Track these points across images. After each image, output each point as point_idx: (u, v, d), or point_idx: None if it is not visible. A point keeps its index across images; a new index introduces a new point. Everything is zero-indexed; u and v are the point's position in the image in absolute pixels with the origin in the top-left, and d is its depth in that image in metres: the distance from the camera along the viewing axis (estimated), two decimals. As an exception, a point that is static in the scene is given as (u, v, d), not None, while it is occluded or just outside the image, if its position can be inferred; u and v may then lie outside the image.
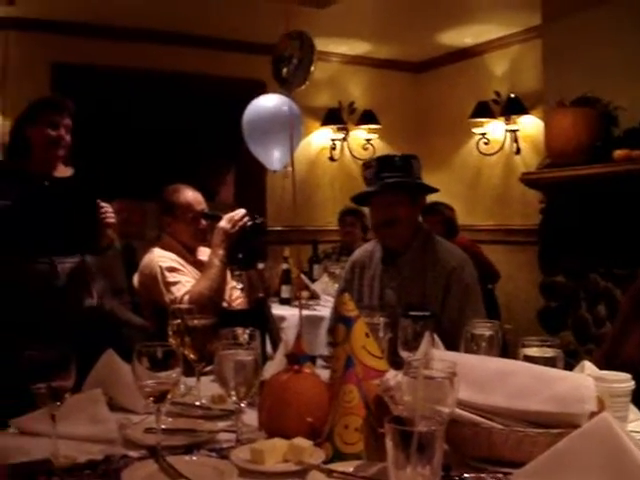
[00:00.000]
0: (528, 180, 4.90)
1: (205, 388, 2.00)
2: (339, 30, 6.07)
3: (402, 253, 2.84)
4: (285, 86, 3.05)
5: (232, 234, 3.03)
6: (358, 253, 3.08)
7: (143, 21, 5.68)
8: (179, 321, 2.00)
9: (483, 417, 1.40)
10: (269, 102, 5.09)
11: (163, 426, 1.56)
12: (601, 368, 1.87)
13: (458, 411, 1.37)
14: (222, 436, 1.66)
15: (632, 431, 1.55)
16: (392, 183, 2.74)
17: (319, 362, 2.63)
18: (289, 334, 3.44)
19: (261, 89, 5.69)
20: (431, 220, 5.18)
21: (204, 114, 6.19)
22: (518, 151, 6.14)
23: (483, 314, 2.77)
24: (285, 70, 2.99)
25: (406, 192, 2.81)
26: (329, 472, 1.35)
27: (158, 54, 5.90)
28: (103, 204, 2.80)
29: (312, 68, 3.11)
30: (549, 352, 1.65)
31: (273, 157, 5.20)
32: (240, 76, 6.22)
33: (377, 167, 2.80)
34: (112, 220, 2.83)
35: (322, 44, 6.52)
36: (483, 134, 6.39)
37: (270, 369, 1.91)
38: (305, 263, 5.48)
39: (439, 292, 2.74)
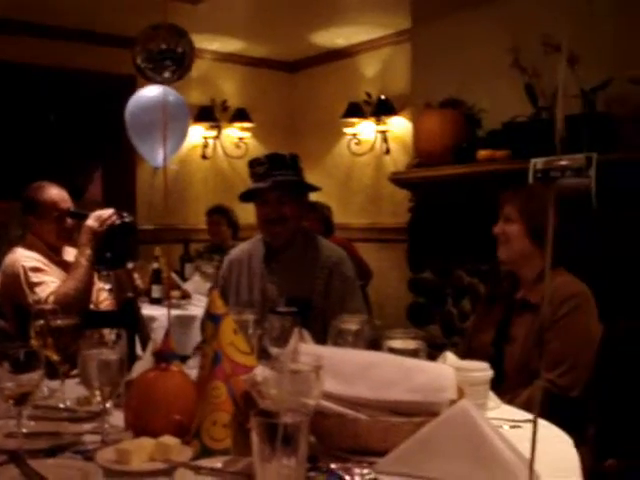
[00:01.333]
0: (397, 179, 5.04)
1: (70, 391, 1.94)
2: (211, 27, 6.02)
3: (285, 250, 2.87)
4: (160, 80, 2.99)
5: (100, 233, 2.95)
6: (236, 252, 3.07)
7: (3, 11, 5.43)
8: (42, 322, 1.93)
9: (348, 408, 1.43)
10: (153, 93, 4.92)
11: (25, 430, 1.51)
12: (464, 359, 1.96)
13: (324, 403, 1.39)
14: (88, 438, 1.61)
15: (492, 418, 1.63)
16: (285, 181, 2.77)
17: (190, 362, 2.61)
18: (159, 334, 3.38)
19: (131, 84, 5.57)
20: (311, 218, 5.24)
21: (71, 110, 6.00)
22: (388, 151, 6.29)
23: (363, 307, 2.87)
24: (158, 63, 2.93)
25: (295, 190, 2.84)
26: (197, 469, 1.35)
27: (21, 47, 5.66)
28: None
29: (191, 63, 3.06)
30: (412, 344, 1.71)
31: (157, 152, 5.06)
32: (109, 71, 6.05)
33: (268, 164, 2.81)
34: None
35: (194, 40, 6.46)
36: (354, 134, 6.51)
37: (138, 369, 1.88)
38: (177, 262, 5.40)
39: (321, 286, 2.79)
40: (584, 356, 2.34)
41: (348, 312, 2.57)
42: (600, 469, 2.26)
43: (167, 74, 2.98)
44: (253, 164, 2.89)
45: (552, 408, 1.77)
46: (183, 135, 5.59)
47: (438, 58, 4.90)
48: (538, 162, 3.74)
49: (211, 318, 1.58)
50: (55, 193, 3.15)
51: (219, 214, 5.69)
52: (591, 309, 2.41)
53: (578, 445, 1.60)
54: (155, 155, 5.20)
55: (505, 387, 2.19)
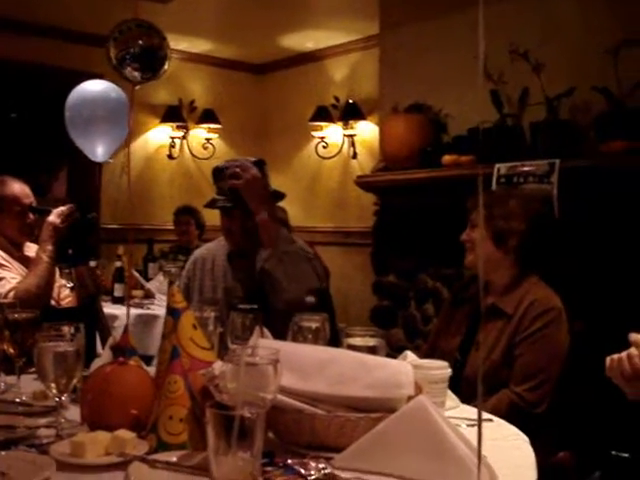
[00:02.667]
0: (362, 183, 5.05)
1: (27, 386, 1.92)
2: (180, 26, 5.97)
3: (251, 250, 2.86)
4: (130, 78, 2.95)
5: (61, 229, 2.93)
6: (201, 251, 3.05)
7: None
8: None
9: (306, 403, 1.43)
10: (95, 87, 4.84)
11: (-23, 423, 1.48)
12: (424, 359, 1.97)
13: (281, 398, 1.39)
14: (43, 432, 1.59)
15: (450, 417, 1.64)
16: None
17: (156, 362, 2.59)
18: (121, 332, 3.35)
19: (98, 82, 5.51)
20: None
21: (35, 107, 5.92)
22: (355, 156, 6.30)
23: (312, 276, 2.79)
24: (129, 61, 2.89)
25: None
26: (152, 463, 1.33)
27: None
28: None
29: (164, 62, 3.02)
30: (371, 341, 1.72)
31: (96, 147, 4.98)
32: (76, 68, 5.97)
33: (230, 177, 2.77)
34: None
35: (163, 40, 6.42)
36: (322, 138, 6.51)
37: (97, 365, 1.86)
38: (140, 261, 5.37)
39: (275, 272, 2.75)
40: (553, 372, 2.36)
41: (295, 278, 2.56)
42: (553, 462, 2.29)
43: (138, 73, 2.95)
44: (216, 176, 2.86)
45: (516, 422, 1.78)
46: (122, 133, 5.50)
47: (406, 63, 4.92)
48: (502, 167, 3.78)
49: (170, 312, 1.57)
50: (17, 188, 3.12)
51: (188, 215, 5.67)
52: (563, 324, 2.43)
53: (533, 442, 1.62)
54: (94, 149, 5.10)
55: (464, 393, 2.20)
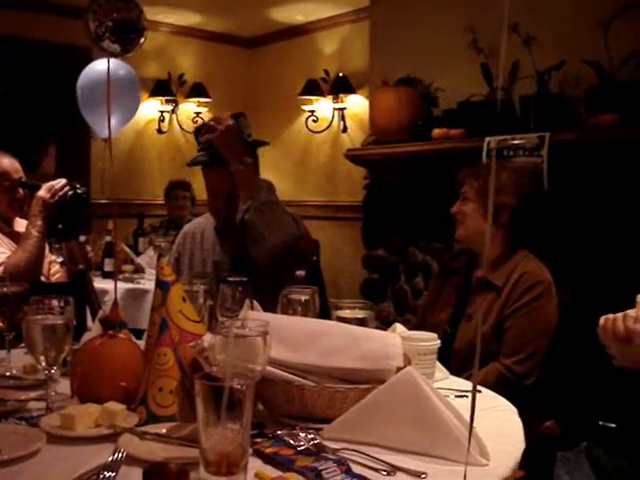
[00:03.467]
0: (352, 156, 5.04)
1: (17, 359, 1.92)
2: (168, -1, 5.94)
3: (234, 221, 2.83)
4: (110, 51, 2.92)
5: (51, 204, 2.91)
6: (190, 225, 3.04)
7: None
8: (-12, 290, 1.90)
9: (296, 375, 1.43)
10: (104, 66, 4.86)
11: (-33, 397, 1.48)
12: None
13: (271, 369, 1.39)
14: (33, 405, 1.59)
15: (439, 388, 1.65)
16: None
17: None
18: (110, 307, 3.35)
19: (86, 56, 5.45)
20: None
21: (22, 82, 5.86)
22: (345, 129, 6.28)
23: (291, 224, 2.66)
24: (107, 34, 2.87)
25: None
26: (141, 434, 1.34)
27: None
28: None
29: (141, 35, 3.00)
30: (360, 313, 1.72)
31: (105, 125, 5.02)
32: (63, 41, 5.91)
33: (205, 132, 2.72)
34: None
35: (149, 13, 6.31)
36: (312, 112, 6.49)
37: (87, 339, 1.86)
38: (130, 236, 5.35)
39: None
40: (542, 345, 2.38)
41: (275, 226, 2.51)
42: (540, 431, 2.31)
43: (116, 46, 2.93)
44: (196, 134, 2.80)
45: (505, 394, 1.80)
46: (133, 109, 5.54)
47: (396, 37, 4.90)
48: (492, 141, 3.78)
49: (159, 285, 1.56)
50: (6, 163, 3.09)
51: (181, 189, 5.64)
52: (553, 297, 2.44)
53: (521, 413, 1.64)
54: (104, 127, 5.16)
55: (454, 366, 2.21)
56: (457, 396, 1.72)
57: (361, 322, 1.68)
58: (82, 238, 3.32)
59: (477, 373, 2.09)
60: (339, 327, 1.58)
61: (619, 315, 1.73)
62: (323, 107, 6.44)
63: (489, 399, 1.77)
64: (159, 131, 6.77)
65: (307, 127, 6.56)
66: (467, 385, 1.86)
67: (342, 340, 1.49)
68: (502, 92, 4.00)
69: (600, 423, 2.16)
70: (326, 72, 6.33)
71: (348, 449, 1.31)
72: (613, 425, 2.12)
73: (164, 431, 1.37)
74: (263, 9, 6.24)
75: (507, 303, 2.41)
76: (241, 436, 1.10)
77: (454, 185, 2.64)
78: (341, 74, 6.16)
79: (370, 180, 4.98)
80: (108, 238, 4.50)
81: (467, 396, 1.73)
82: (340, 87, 6.16)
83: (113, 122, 5.07)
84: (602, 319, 1.77)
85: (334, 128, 6.40)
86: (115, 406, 1.43)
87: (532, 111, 3.80)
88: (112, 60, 4.70)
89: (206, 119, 6.84)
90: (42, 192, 2.93)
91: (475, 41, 4.09)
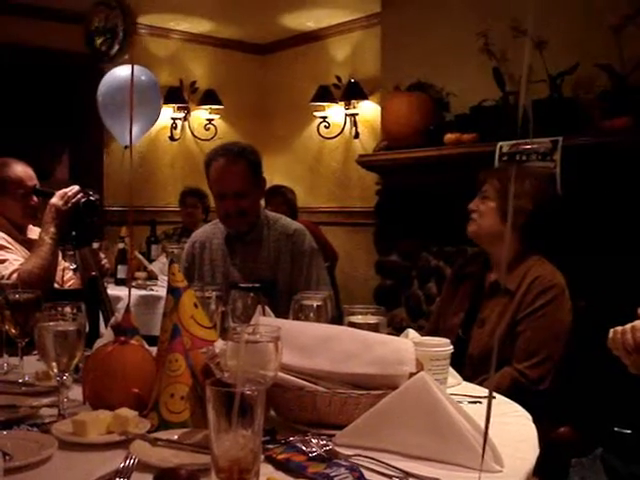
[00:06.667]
0: (364, 162, 5.04)
1: (30, 367, 1.92)
2: (181, 7, 5.95)
3: (247, 232, 2.88)
4: (103, 58, 2.95)
5: (65, 211, 2.91)
6: (198, 234, 3.08)
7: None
8: (0, 297, 1.91)
9: (308, 381, 1.43)
10: (125, 72, 4.91)
11: (-20, 403, 1.48)
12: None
13: (283, 375, 1.39)
14: (45, 412, 1.60)
15: (452, 394, 1.64)
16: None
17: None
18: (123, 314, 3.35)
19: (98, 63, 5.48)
20: (274, 202, 5.25)
21: (37, 90, 5.89)
22: (357, 135, 6.28)
23: (327, 280, 2.88)
24: (100, 41, 2.90)
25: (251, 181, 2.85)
26: (153, 441, 1.34)
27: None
28: None
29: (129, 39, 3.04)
30: (372, 319, 1.71)
31: (127, 132, 5.05)
32: (79, 51, 5.93)
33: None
34: None
35: (161, 20, 6.38)
36: (324, 118, 6.48)
37: (99, 345, 1.86)
38: (143, 243, 5.37)
39: (286, 261, 2.82)
40: (556, 349, 2.36)
41: (310, 282, 2.60)
42: (555, 437, 2.29)
43: (106, 50, 2.96)
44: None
45: (518, 399, 1.78)
46: (154, 116, 5.56)
47: (408, 42, 4.89)
48: (504, 145, 3.76)
49: (171, 291, 1.56)
50: (20, 170, 3.10)
51: (194, 197, 5.66)
52: (566, 302, 2.43)
53: (535, 419, 1.62)
54: (126, 134, 5.17)
55: (467, 371, 2.20)
56: (471, 402, 1.71)
57: (373, 328, 1.67)
58: (95, 245, 3.33)
59: (494, 378, 2.09)
60: (351, 332, 1.57)
61: (627, 327, 1.73)
62: (335, 113, 6.44)
63: (503, 405, 1.75)
64: (171, 138, 6.78)
65: (319, 133, 6.55)
66: (480, 391, 1.85)
67: (354, 346, 1.49)
68: (514, 97, 3.98)
69: (615, 429, 2.14)
70: (338, 78, 6.33)
71: (360, 455, 1.30)
72: (629, 431, 2.10)
73: (176, 437, 1.36)
74: (275, 16, 6.25)
75: (520, 307, 2.39)
76: (252, 442, 1.09)
77: (467, 190, 2.63)
78: (353, 80, 6.16)
79: (382, 186, 4.97)
80: (121, 245, 4.51)
81: (481, 402, 1.72)
82: (352, 93, 6.16)
83: (134, 129, 5.07)
84: (611, 332, 1.77)
85: (346, 134, 6.39)
86: (127, 412, 1.43)
87: (545, 115, 3.78)
88: (136, 67, 4.77)
89: (219, 126, 6.88)
90: (55, 199, 2.94)
91: (487, 45, 4.07)
